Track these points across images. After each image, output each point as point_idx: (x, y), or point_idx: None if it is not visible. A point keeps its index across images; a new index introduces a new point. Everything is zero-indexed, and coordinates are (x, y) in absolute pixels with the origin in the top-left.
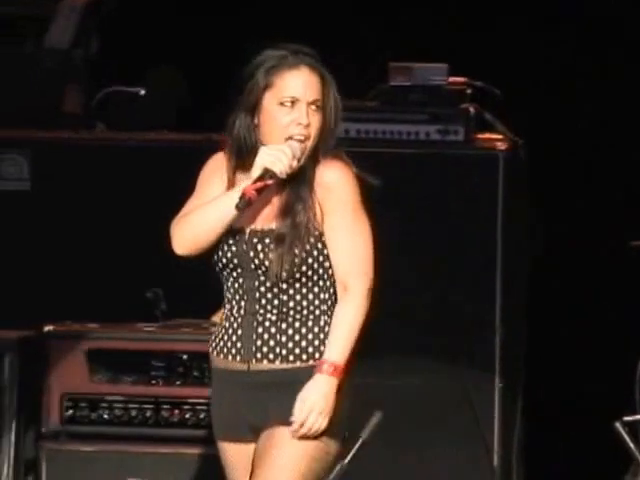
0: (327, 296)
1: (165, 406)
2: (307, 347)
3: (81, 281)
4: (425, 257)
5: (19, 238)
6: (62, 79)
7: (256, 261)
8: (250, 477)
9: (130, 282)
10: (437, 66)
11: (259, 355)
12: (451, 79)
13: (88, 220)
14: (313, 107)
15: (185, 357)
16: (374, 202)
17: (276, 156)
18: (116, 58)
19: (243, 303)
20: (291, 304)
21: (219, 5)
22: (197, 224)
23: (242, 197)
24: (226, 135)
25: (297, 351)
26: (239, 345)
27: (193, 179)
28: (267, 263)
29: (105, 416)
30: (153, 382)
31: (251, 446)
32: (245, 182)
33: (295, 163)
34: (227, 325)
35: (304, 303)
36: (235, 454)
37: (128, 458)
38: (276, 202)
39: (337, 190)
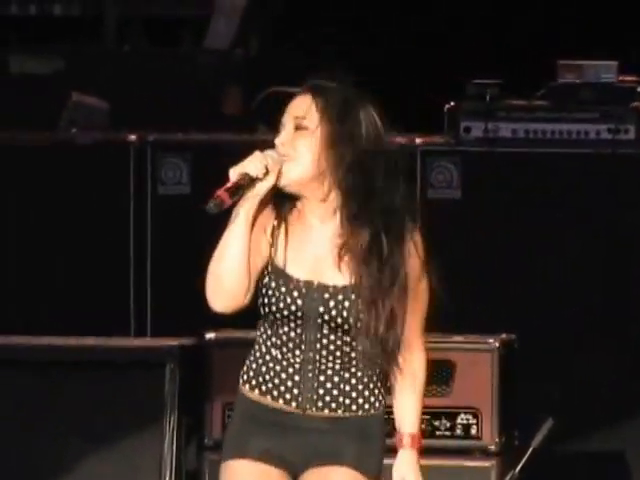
0: None
1: None
2: (370, 397)
3: None
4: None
5: (179, 242)
6: (222, 80)
7: (326, 316)
8: None
9: None
10: (607, 63)
11: (320, 404)
12: (621, 77)
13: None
14: (301, 130)
15: None
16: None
17: (250, 159)
18: (276, 58)
19: (298, 352)
20: (353, 354)
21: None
22: (215, 266)
23: (214, 199)
24: None
25: (360, 401)
26: (296, 392)
27: None
28: (351, 320)
29: None
30: None
31: (280, 473)
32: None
33: (275, 168)
34: (279, 368)
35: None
36: (262, 473)
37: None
38: (346, 256)
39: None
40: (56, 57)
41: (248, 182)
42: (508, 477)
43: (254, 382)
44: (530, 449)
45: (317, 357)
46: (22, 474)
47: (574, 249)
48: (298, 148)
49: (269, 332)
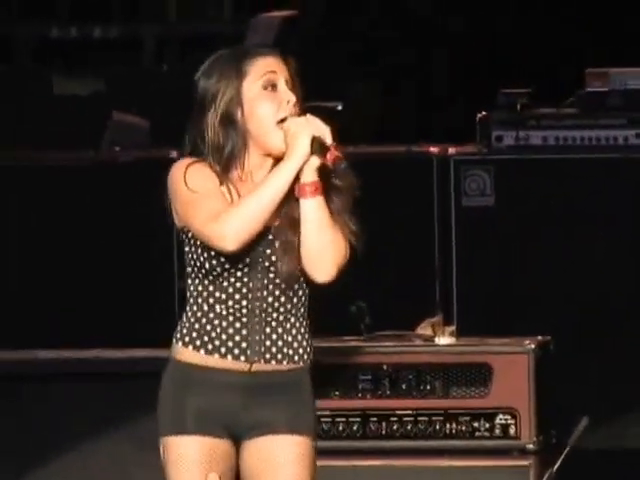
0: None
1: (373, 419)
2: (307, 347)
3: None
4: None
5: None
6: None
7: (267, 262)
8: None
9: (337, 296)
10: (635, 70)
11: (268, 356)
12: None
13: None
14: (289, 86)
15: (392, 369)
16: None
17: (311, 123)
18: (312, 74)
19: (245, 302)
20: (289, 305)
21: None
22: (254, 212)
23: (334, 163)
24: (188, 151)
25: (300, 351)
26: (244, 345)
27: (391, 185)
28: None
29: (325, 428)
30: (360, 395)
31: (222, 442)
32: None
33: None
34: (224, 323)
35: (300, 303)
36: (203, 447)
37: (337, 472)
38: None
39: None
40: (96, 78)
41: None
42: (546, 476)
43: (198, 342)
44: (567, 448)
45: (263, 307)
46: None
47: (604, 253)
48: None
49: (210, 288)
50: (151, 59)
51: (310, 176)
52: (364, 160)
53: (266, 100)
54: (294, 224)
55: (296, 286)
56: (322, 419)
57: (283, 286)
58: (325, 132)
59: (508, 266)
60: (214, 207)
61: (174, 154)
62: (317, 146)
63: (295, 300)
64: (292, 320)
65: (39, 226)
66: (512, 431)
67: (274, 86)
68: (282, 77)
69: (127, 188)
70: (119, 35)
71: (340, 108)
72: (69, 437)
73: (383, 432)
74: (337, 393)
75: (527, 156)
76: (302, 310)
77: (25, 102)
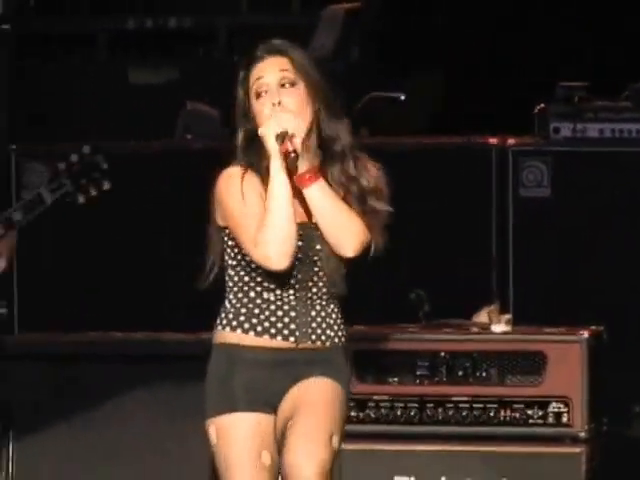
0: None
1: (429, 405)
2: (343, 329)
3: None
4: None
5: None
6: None
7: (310, 253)
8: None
9: (396, 284)
10: None
11: (314, 337)
12: None
13: None
14: (285, 86)
15: (448, 356)
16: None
17: (276, 119)
18: (377, 63)
19: (292, 291)
20: (325, 289)
21: None
22: (276, 226)
23: (286, 156)
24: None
25: (339, 333)
26: (293, 327)
27: (450, 176)
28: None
29: (372, 415)
30: (418, 381)
31: (269, 417)
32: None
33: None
34: (273, 307)
35: (340, 289)
36: (254, 424)
37: (394, 456)
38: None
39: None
40: (171, 68)
41: (288, 137)
42: (597, 463)
43: (247, 325)
44: (619, 436)
45: (308, 295)
46: (82, 464)
47: None
48: (290, 104)
49: (258, 279)
50: (223, 49)
51: (303, 166)
52: (424, 150)
53: (259, 111)
54: None
55: (337, 275)
56: (380, 404)
57: (327, 276)
58: (288, 124)
59: (564, 256)
60: (253, 229)
61: None
62: (280, 140)
63: (335, 287)
64: (332, 306)
65: (109, 214)
66: (565, 419)
67: (262, 93)
68: (271, 79)
69: (199, 175)
70: (193, 26)
71: (403, 98)
72: (125, 415)
73: (439, 418)
74: (395, 379)
75: (584, 148)
76: (339, 296)
77: (102, 93)
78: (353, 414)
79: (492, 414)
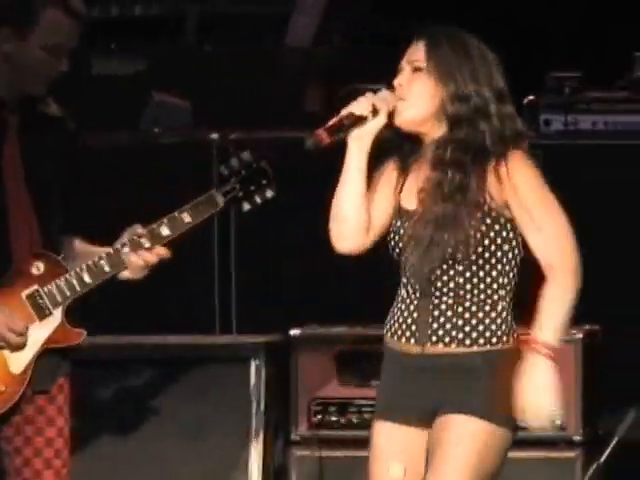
0: (506, 281)
1: None
2: (484, 331)
3: (329, 283)
4: None
5: None
6: (303, 78)
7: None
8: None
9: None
10: None
11: (434, 338)
12: None
13: None
14: (411, 68)
15: None
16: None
17: (359, 99)
18: (358, 54)
19: (418, 286)
20: (468, 287)
21: None
22: (335, 207)
23: (314, 136)
24: None
25: (474, 335)
26: (414, 328)
27: None
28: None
29: (354, 420)
30: None
31: (409, 430)
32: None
33: (384, 107)
34: (403, 307)
35: (481, 286)
36: (390, 435)
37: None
38: (433, 182)
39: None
40: (137, 57)
41: (352, 121)
42: (593, 468)
43: (388, 326)
44: (614, 439)
45: (432, 290)
46: (115, 467)
47: None
48: (413, 89)
49: (402, 275)
50: (193, 38)
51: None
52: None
53: None
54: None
55: (474, 267)
56: (363, 409)
57: (452, 270)
58: (357, 106)
59: None
60: None
61: (215, 136)
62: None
63: (473, 284)
64: (467, 304)
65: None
66: (559, 422)
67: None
68: (408, 59)
69: (167, 169)
70: (160, 13)
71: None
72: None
73: None
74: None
75: (576, 141)
76: (482, 296)
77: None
78: (334, 419)
79: None
